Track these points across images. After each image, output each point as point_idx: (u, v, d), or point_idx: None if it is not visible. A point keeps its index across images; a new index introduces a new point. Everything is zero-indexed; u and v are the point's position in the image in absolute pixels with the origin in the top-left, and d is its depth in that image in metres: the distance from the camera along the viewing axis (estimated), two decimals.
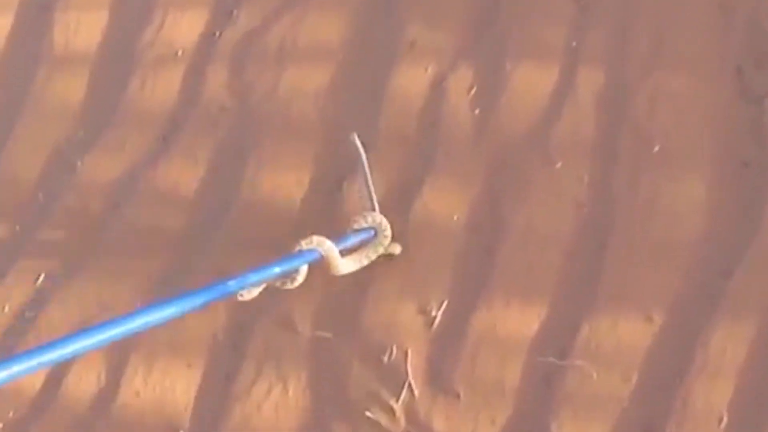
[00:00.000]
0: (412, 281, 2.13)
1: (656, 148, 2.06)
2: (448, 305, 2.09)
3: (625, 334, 1.95)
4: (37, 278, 2.42)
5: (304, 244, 1.99)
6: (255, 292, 2.00)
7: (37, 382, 2.33)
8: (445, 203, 2.17)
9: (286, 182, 2.31)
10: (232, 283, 1.81)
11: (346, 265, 2.08)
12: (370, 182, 2.13)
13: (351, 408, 2.09)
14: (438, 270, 2.12)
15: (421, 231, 2.16)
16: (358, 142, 2.14)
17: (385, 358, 2.09)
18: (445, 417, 2.02)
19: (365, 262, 2.11)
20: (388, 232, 2.12)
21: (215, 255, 2.31)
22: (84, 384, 2.30)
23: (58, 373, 2.31)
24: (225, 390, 2.20)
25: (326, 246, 2.00)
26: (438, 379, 2.05)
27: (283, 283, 2.02)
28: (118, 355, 2.29)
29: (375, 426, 2.06)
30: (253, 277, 1.89)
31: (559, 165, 2.11)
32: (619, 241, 2.02)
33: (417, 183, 2.20)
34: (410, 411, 2.05)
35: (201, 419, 2.20)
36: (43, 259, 2.44)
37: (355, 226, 2.11)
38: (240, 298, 1.99)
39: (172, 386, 2.24)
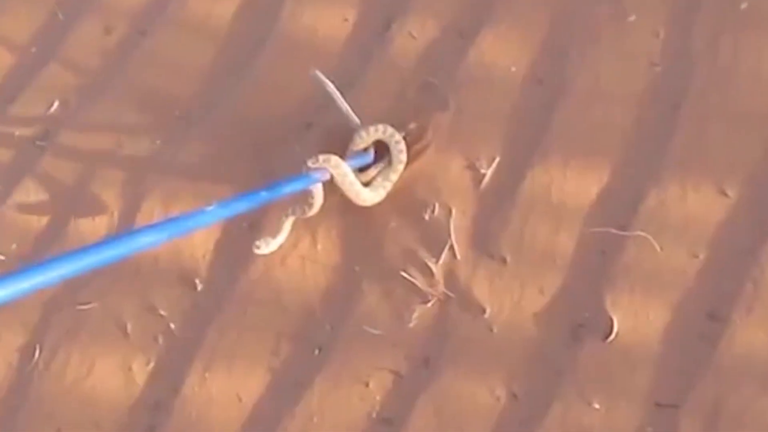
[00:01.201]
0: (462, 134, 2.01)
1: (744, 5, 1.98)
2: (499, 163, 1.98)
3: (695, 207, 1.85)
4: (51, 105, 2.30)
5: (311, 164, 1.88)
6: (273, 245, 1.92)
7: (44, 217, 2.21)
8: (503, 53, 2.07)
9: (329, 18, 2.20)
10: (211, 209, 1.69)
11: (371, 195, 1.97)
12: (344, 102, 2.00)
13: (385, 267, 1.97)
14: (491, 124, 2.01)
15: (475, 81, 2.06)
16: (322, 77, 2.00)
17: (426, 216, 1.97)
18: (488, 283, 1.90)
19: (389, 186, 1.99)
20: (400, 141, 1.98)
21: (242, 96, 2.19)
22: (95, 223, 2.17)
23: (66, 209, 2.20)
24: (247, 239, 2.06)
25: (333, 162, 1.88)
26: (483, 241, 1.93)
27: (296, 211, 1.92)
28: (133, 195, 2.17)
29: (410, 288, 1.93)
30: (241, 204, 1.78)
31: (632, 18, 2.03)
32: (693, 105, 1.93)
33: (474, 29, 2.11)
34: (450, 274, 1.93)
35: (219, 269, 2.08)
36: (59, 84, 2.33)
37: (360, 146, 1.98)
38: (256, 251, 1.91)
39: None
